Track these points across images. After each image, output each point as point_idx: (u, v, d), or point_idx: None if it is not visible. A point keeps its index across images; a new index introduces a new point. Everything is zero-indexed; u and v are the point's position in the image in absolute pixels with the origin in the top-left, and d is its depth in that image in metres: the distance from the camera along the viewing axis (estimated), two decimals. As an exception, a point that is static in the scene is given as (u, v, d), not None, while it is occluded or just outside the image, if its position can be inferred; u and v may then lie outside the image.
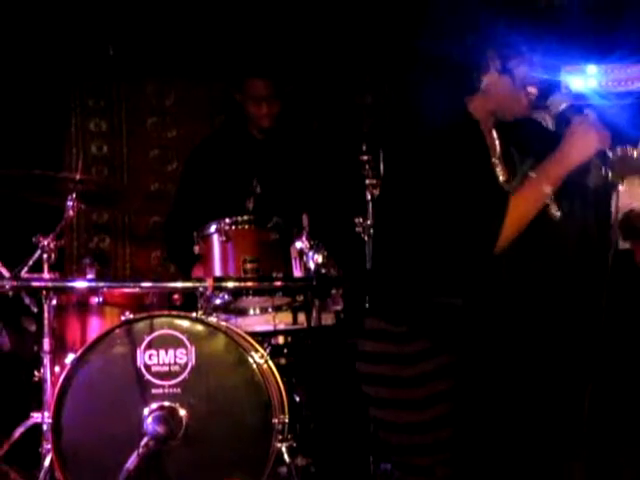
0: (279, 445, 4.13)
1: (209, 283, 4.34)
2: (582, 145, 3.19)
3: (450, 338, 3.29)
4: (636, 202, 3.91)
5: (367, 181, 4.79)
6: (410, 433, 3.35)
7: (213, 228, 4.59)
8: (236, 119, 5.38)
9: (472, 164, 3.25)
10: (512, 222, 3.18)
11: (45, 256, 4.34)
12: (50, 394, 4.23)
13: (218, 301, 4.53)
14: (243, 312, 4.62)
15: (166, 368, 4.16)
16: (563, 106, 3.35)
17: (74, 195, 4.42)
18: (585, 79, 4.78)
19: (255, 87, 5.23)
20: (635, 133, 3.87)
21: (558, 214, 3.20)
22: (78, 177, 4.47)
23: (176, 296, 4.55)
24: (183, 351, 4.17)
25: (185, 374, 4.16)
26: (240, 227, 4.59)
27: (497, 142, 3.47)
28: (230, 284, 4.46)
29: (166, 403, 4.13)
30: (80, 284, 4.45)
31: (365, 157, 4.81)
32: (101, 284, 4.49)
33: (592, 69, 4.78)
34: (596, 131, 3.22)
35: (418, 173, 3.31)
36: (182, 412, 4.12)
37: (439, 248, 3.30)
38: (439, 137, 3.27)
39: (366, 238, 4.71)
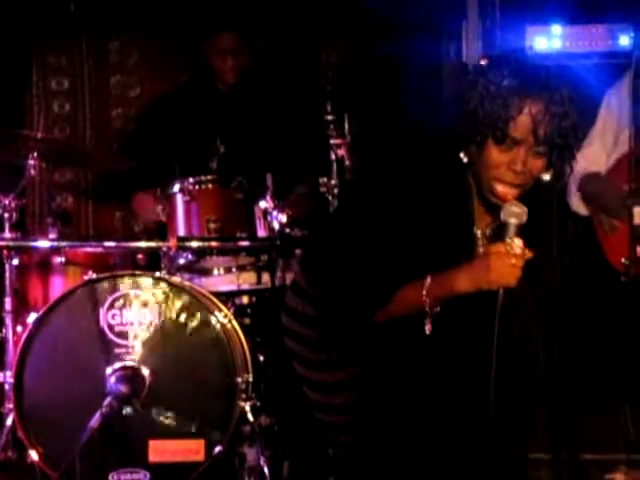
0: (243, 404, 4.17)
1: (173, 243, 4.36)
2: (481, 278, 2.73)
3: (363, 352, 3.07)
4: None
5: (331, 141, 4.79)
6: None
7: (177, 187, 4.61)
8: (201, 76, 5.34)
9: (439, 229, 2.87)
10: (391, 309, 2.85)
11: (6, 215, 4.34)
12: (12, 354, 4.26)
13: (182, 261, 4.56)
14: (207, 272, 4.63)
15: (129, 328, 4.17)
16: None
17: (35, 154, 4.40)
18: (549, 39, 4.80)
19: (222, 40, 5.20)
20: (598, 92, 3.89)
21: (427, 330, 2.82)
22: (39, 136, 4.46)
23: (140, 256, 4.55)
24: (146, 311, 4.18)
25: (148, 334, 4.17)
26: (204, 187, 4.61)
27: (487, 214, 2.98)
28: (194, 244, 4.50)
29: (129, 363, 4.15)
30: (42, 243, 4.43)
31: (329, 117, 4.81)
32: (63, 244, 4.46)
33: (556, 29, 4.80)
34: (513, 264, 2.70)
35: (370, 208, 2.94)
36: (145, 372, 4.14)
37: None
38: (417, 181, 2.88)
39: (330, 198, 4.72)
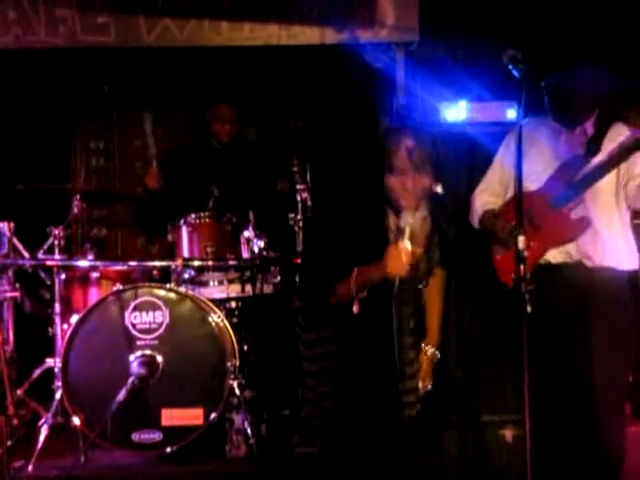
0: (231, 382, 4.18)
1: (179, 262, 4.39)
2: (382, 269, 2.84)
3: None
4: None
5: (297, 186, 4.82)
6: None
7: (182, 221, 4.61)
8: (202, 137, 5.35)
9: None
10: (337, 295, 2.90)
11: (56, 242, 4.35)
12: (60, 345, 4.27)
13: (186, 276, 4.54)
14: (205, 284, 4.62)
15: (147, 325, 4.18)
16: None
17: (78, 197, 4.41)
18: (457, 112, 4.84)
19: (221, 110, 5.22)
20: (494, 148, 3.89)
21: (355, 309, 2.85)
22: (81, 184, 4.49)
23: (155, 272, 4.55)
24: (160, 313, 4.19)
25: (161, 330, 4.18)
26: (202, 220, 4.61)
27: None
28: (195, 263, 4.51)
29: (147, 352, 4.16)
30: (82, 263, 4.46)
31: (296, 169, 4.84)
32: (98, 263, 4.47)
33: (462, 104, 4.84)
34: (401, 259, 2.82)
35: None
36: (159, 358, 4.16)
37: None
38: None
39: (296, 229, 4.75)
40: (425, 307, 3.11)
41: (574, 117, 3.60)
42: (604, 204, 3.53)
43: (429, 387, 3.11)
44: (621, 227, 3.57)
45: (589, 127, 3.60)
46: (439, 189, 2.95)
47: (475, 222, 3.84)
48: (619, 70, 3.66)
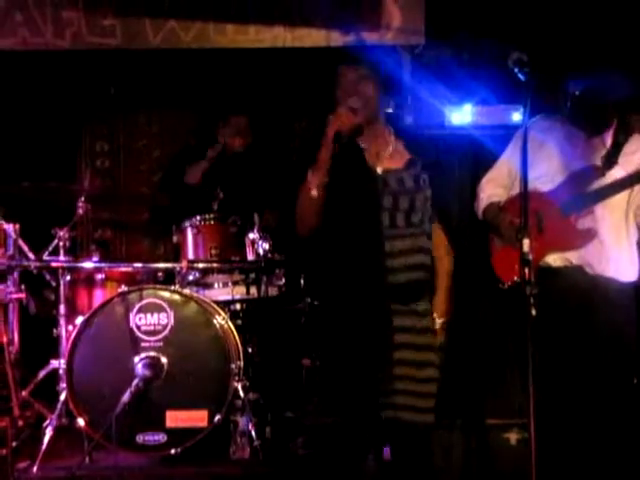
0: (236, 384, 4.17)
1: (184, 264, 4.39)
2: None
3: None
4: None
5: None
6: None
7: (187, 223, 4.61)
8: (207, 141, 5.34)
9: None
10: (297, 211, 3.05)
11: (61, 243, 4.35)
12: (65, 346, 4.26)
13: (191, 277, 4.55)
14: (209, 286, 4.63)
15: (152, 327, 4.17)
16: None
17: (83, 198, 4.41)
18: (462, 115, 4.84)
19: (237, 122, 5.22)
20: (499, 151, 3.89)
21: (314, 193, 2.95)
22: (86, 186, 4.49)
23: (160, 273, 4.55)
24: (164, 314, 4.18)
25: (166, 332, 4.17)
26: (207, 223, 4.61)
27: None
28: (200, 265, 4.50)
29: (152, 353, 4.15)
30: (87, 264, 4.46)
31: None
32: (103, 264, 4.48)
33: (467, 108, 4.85)
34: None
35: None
36: (164, 360, 4.14)
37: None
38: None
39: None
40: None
41: (597, 125, 3.58)
42: (613, 218, 3.53)
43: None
44: (627, 243, 3.57)
45: (608, 138, 3.58)
46: (389, 110, 3.16)
47: (479, 211, 3.82)
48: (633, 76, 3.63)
